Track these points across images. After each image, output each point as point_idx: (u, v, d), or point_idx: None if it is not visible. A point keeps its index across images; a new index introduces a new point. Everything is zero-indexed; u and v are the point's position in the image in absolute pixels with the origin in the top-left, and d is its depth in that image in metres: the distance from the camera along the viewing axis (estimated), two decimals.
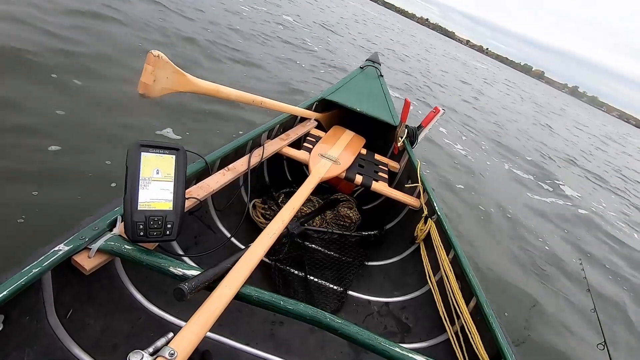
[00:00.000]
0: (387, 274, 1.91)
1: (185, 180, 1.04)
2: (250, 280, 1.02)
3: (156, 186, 0.98)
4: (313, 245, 1.88)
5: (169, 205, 0.99)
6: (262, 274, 1.68)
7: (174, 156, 1.01)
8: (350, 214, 2.15)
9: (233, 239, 1.74)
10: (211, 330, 1.30)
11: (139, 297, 1.24)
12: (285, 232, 1.60)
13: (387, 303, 1.74)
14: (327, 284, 1.75)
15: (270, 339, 1.41)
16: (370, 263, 1.96)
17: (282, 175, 2.55)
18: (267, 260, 1.68)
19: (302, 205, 2.05)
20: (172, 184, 1.01)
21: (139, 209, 0.95)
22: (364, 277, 1.87)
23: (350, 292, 1.75)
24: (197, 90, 1.16)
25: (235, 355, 1.31)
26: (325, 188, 2.40)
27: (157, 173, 0.98)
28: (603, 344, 1.22)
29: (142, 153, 0.95)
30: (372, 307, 1.72)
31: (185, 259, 1.49)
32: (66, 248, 0.90)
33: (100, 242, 0.95)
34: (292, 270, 1.73)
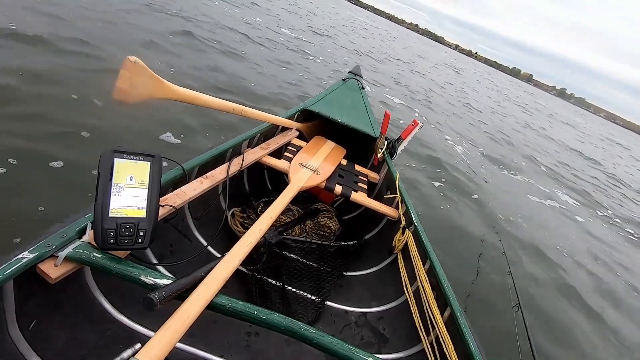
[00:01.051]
0: (365, 285, 1.92)
1: (160, 187, 1.02)
2: (227, 290, 1.01)
3: (129, 193, 0.96)
4: (292, 255, 1.87)
5: (142, 213, 0.98)
6: (239, 283, 1.65)
7: (149, 163, 0.99)
8: (330, 224, 2.15)
9: (210, 248, 1.71)
10: (184, 342, 1.28)
11: (108, 307, 1.20)
12: (262, 241, 1.59)
13: (364, 313, 1.74)
14: (305, 294, 1.74)
15: (245, 350, 1.39)
16: (348, 273, 1.96)
17: (263, 184, 2.54)
18: (244, 269, 1.66)
19: (282, 214, 2.04)
20: (147, 191, 0.99)
21: (110, 215, 0.93)
22: (342, 288, 1.87)
23: (328, 303, 1.74)
24: (174, 97, 1.15)
25: None
26: (305, 198, 2.40)
27: (131, 180, 0.96)
28: (517, 305, 1.29)
29: (116, 159, 0.93)
30: (349, 318, 1.71)
31: (160, 268, 1.45)
32: (31, 256, 0.87)
33: (67, 250, 0.92)
34: (270, 280, 1.71)
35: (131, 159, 0.96)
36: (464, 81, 22.46)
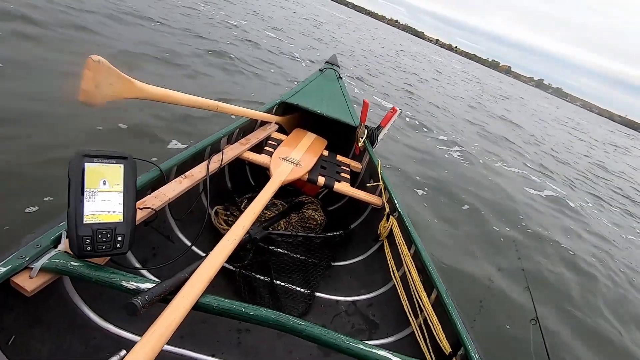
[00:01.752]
0: (353, 273, 1.94)
1: (135, 189, 1.00)
2: (214, 289, 1.00)
3: (103, 197, 0.93)
4: (278, 249, 1.86)
5: (118, 217, 0.95)
6: (227, 281, 1.64)
7: (121, 165, 0.97)
8: (315, 216, 2.15)
9: (195, 248, 1.69)
10: (173, 344, 1.26)
11: (92, 315, 1.17)
12: (247, 237, 1.58)
13: (354, 302, 1.76)
14: (294, 287, 1.74)
15: (236, 347, 1.38)
16: (336, 263, 1.98)
17: (245, 180, 2.52)
18: (231, 267, 1.64)
19: (266, 209, 2.03)
20: (121, 194, 0.96)
21: (84, 222, 0.90)
22: (331, 278, 1.88)
23: (318, 294, 1.75)
24: (145, 96, 1.12)
25: None
26: (289, 191, 2.39)
27: (104, 184, 0.94)
28: (535, 319, 1.32)
29: (86, 163, 0.90)
30: (339, 307, 1.73)
31: (143, 272, 1.43)
32: (3, 269, 0.84)
33: (43, 260, 0.89)
34: (258, 275, 1.71)
35: (102, 163, 0.93)
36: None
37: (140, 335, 1.21)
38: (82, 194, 0.90)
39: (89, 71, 0.89)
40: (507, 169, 6.55)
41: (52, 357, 1.01)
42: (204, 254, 1.71)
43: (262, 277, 1.71)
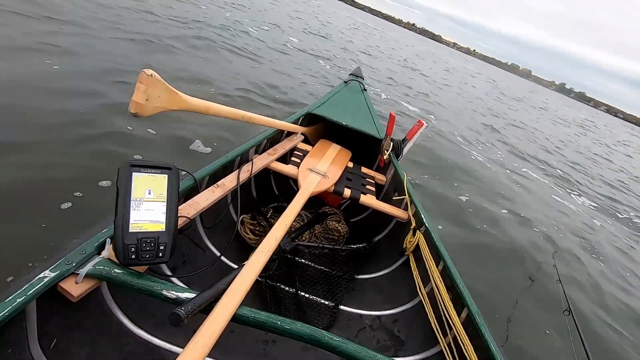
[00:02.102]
0: (377, 287, 1.92)
1: (177, 199, 1.02)
2: (244, 299, 1.01)
3: (148, 207, 0.95)
4: (303, 260, 1.86)
5: (161, 227, 0.97)
6: (253, 291, 1.64)
7: (166, 175, 0.99)
8: (339, 227, 2.15)
9: (223, 258, 1.71)
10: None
11: (125, 321, 1.19)
12: (277, 248, 1.59)
13: (379, 316, 1.74)
14: (319, 299, 1.73)
15: (263, 358, 1.38)
16: (360, 276, 1.96)
17: (269, 189, 2.54)
18: (258, 277, 1.65)
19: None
20: (165, 204, 0.98)
21: (130, 231, 0.92)
22: (354, 291, 1.87)
23: (342, 307, 1.74)
24: (189, 108, 1.15)
25: None
26: (312, 201, 2.40)
27: (150, 193, 0.96)
28: (568, 310, 1.30)
29: (134, 173, 0.93)
30: (364, 321, 1.71)
31: (174, 279, 1.44)
32: (52, 274, 0.86)
33: (88, 267, 0.91)
34: (283, 286, 1.71)
35: (149, 173, 0.96)
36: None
37: (172, 343, 1.24)
38: (129, 203, 0.92)
39: (141, 84, 0.92)
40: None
41: None
42: (231, 263, 1.73)
43: (287, 288, 1.71)
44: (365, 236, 2.21)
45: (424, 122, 2.36)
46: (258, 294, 1.65)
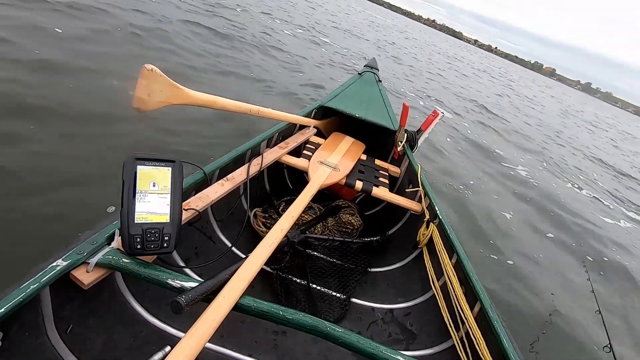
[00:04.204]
0: (390, 280, 1.90)
1: (182, 191, 1.04)
2: (252, 291, 1.02)
3: (153, 199, 0.98)
4: (315, 253, 1.87)
5: (165, 218, 1.00)
6: (264, 283, 1.67)
7: (169, 168, 1.01)
8: (352, 220, 2.14)
9: (234, 249, 1.74)
10: (214, 342, 1.30)
11: (140, 310, 1.24)
12: (285, 240, 1.60)
13: (391, 310, 1.72)
14: (330, 291, 1.73)
15: (273, 350, 1.40)
16: (373, 269, 1.94)
17: (283, 183, 2.55)
18: (268, 269, 1.67)
19: (304, 212, 2.04)
20: (169, 196, 1.01)
21: (135, 222, 0.95)
22: (367, 284, 1.86)
23: (354, 300, 1.73)
24: (193, 102, 1.17)
25: None
26: (326, 195, 2.40)
27: (154, 186, 0.99)
28: (609, 346, 1.20)
29: (138, 166, 0.96)
30: (376, 314, 1.70)
31: (187, 270, 1.48)
32: (64, 263, 0.91)
33: (98, 257, 0.95)
34: (294, 278, 1.72)
35: (153, 166, 0.98)
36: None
37: (183, 330, 1.27)
38: (134, 195, 0.95)
39: (143, 79, 0.94)
40: None
41: (104, 346, 1.08)
42: (243, 255, 1.76)
43: (298, 280, 1.72)
44: (380, 229, 2.19)
45: (439, 112, 2.29)
46: (269, 286, 1.67)
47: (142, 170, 0.96)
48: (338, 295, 1.73)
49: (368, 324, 1.65)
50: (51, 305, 0.95)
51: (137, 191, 0.95)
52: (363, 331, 1.60)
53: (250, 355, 1.33)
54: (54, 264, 0.90)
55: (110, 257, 0.96)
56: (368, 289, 1.82)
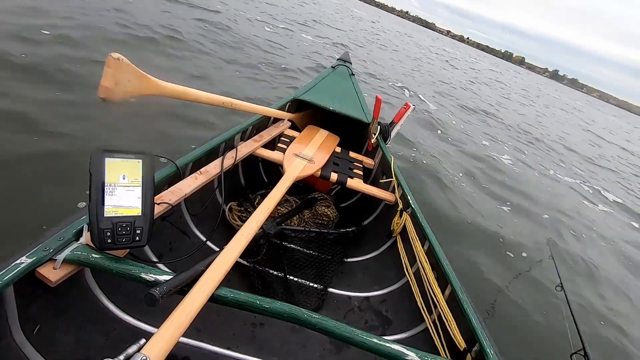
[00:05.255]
0: (366, 269, 1.94)
1: (154, 184, 1.02)
2: (229, 284, 1.02)
3: (123, 192, 0.96)
4: (292, 245, 1.87)
5: (137, 211, 0.97)
6: (241, 276, 1.66)
7: (140, 161, 0.99)
8: (328, 212, 2.16)
9: (209, 243, 1.72)
10: (190, 336, 1.29)
11: (111, 307, 1.20)
12: (261, 232, 1.60)
13: (367, 297, 1.76)
14: (308, 282, 1.75)
15: (251, 341, 1.40)
16: (349, 259, 1.98)
17: (258, 177, 2.54)
18: (245, 262, 1.66)
19: (280, 205, 2.05)
20: (140, 189, 0.99)
21: (105, 215, 0.93)
22: (343, 274, 1.89)
23: (331, 290, 1.76)
24: (163, 93, 1.14)
25: None
26: (302, 188, 2.40)
27: (124, 178, 0.96)
28: (560, 285, 1.33)
29: (106, 158, 0.93)
30: (352, 303, 1.73)
31: (160, 265, 1.46)
32: (29, 260, 0.87)
33: (66, 252, 0.92)
34: (272, 271, 1.72)
35: (122, 158, 0.96)
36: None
37: (157, 326, 1.25)
38: (103, 188, 0.92)
39: (108, 68, 0.91)
40: None
41: (75, 346, 1.05)
42: (218, 249, 1.74)
43: (275, 273, 1.73)
44: (355, 220, 2.22)
45: (410, 104, 2.34)
46: (246, 279, 1.66)
47: (111, 163, 0.94)
48: (315, 285, 1.75)
49: (345, 312, 1.68)
50: (16, 305, 0.91)
51: (105, 184, 0.93)
52: (340, 319, 1.62)
53: (228, 348, 1.32)
54: (18, 261, 0.86)
55: (79, 252, 0.93)
56: (345, 279, 1.85)
